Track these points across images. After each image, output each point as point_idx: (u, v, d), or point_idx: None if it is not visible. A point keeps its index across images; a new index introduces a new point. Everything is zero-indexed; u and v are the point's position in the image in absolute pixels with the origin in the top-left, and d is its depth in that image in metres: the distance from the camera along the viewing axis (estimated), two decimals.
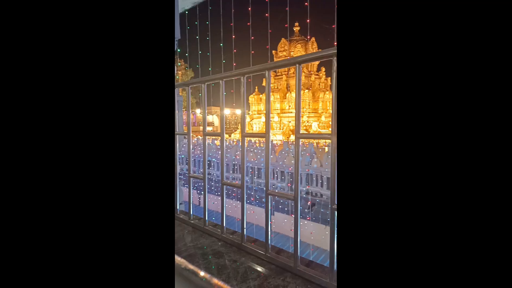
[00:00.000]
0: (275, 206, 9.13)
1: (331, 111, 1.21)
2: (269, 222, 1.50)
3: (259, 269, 1.36)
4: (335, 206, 1.17)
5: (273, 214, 9.08)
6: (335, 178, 1.19)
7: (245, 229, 1.58)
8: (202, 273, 1.33)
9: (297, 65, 1.28)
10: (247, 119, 21.12)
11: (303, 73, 19.68)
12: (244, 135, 1.57)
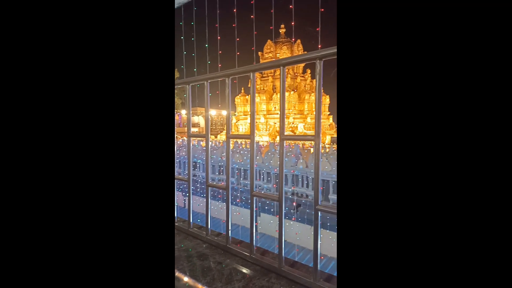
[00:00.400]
0: (261, 207, 9.13)
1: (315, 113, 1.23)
2: (254, 224, 1.50)
3: (244, 270, 1.37)
4: (319, 207, 1.19)
5: (259, 215, 9.09)
6: (319, 179, 1.20)
7: (230, 231, 1.58)
8: (186, 278, 1.32)
9: (282, 67, 1.30)
10: (233, 120, 21.08)
11: (289, 75, 19.82)
12: (229, 136, 1.57)
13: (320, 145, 1.19)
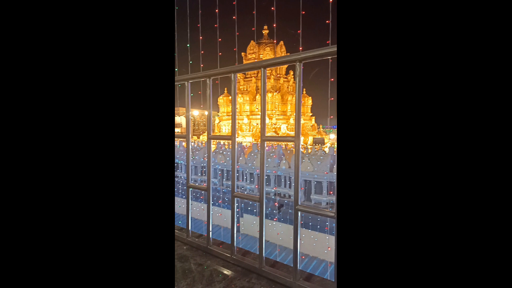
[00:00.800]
0: (244, 208, 9.13)
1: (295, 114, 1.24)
2: (235, 225, 1.50)
3: (225, 271, 1.36)
4: (299, 207, 1.21)
5: (242, 216, 9.08)
6: (299, 179, 1.22)
7: (210, 232, 1.57)
8: None
9: (262, 69, 1.31)
10: (216, 121, 20.95)
11: (273, 76, 19.94)
12: (210, 137, 1.56)
13: (300, 146, 1.20)
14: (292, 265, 1.25)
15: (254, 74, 20.23)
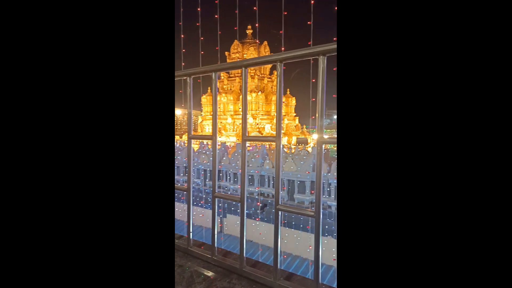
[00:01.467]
0: (228, 208, 9.09)
1: (276, 114, 1.25)
2: (217, 225, 1.49)
3: (206, 272, 1.35)
4: (280, 206, 1.21)
5: (225, 217, 9.05)
6: (279, 179, 1.22)
7: (191, 233, 1.55)
8: None
9: (243, 68, 1.30)
10: (199, 120, 20.80)
11: (257, 76, 19.98)
12: (190, 137, 1.54)
13: (281, 146, 1.21)
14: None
15: (238, 73, 20.17)
